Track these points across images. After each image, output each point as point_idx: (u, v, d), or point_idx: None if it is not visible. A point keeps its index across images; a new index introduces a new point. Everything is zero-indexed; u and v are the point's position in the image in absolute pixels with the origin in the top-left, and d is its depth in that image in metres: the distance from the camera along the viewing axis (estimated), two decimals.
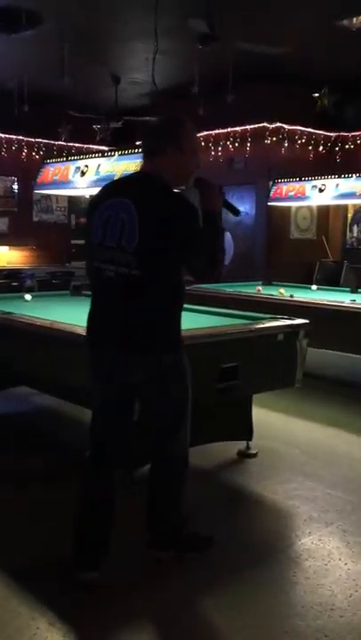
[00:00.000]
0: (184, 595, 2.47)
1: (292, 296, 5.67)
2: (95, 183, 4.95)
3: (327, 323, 5.01)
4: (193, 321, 3.93)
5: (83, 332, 3.35)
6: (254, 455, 3.89)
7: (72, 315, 4.20)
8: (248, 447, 3.91)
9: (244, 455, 3.88)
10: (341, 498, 3.36)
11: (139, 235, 2.33)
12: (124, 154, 4.76)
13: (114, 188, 2.59)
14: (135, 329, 2.40)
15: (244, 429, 3.84)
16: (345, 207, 9.19)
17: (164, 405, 2.54)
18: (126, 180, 2.71)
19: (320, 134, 8.89)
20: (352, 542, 2.88)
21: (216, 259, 2.41)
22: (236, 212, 2.75)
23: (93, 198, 2.63)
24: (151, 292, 2.39)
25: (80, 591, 2.45)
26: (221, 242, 2.47)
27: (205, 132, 8.90)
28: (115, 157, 4.82)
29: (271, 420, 4.54)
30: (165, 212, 2.36)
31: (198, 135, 8.97)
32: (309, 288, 6.80)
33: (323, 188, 6.89)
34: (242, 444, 3.88)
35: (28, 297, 5.12)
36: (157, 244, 2.34)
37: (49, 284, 7.95)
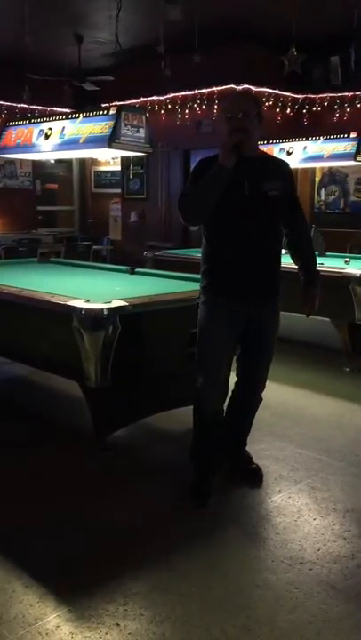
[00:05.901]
0: (156, 553, 2.52)
1: None
2: (60, 147, 4.82)
3: (295, 286, 5.03)
4: (163, 286, 3.93)
5: (51, 298, 3.33)
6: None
7: (41, 282, 4.15)
8: None
9: None
10: (310, 456, 3.45)
11: None
12: (89, 116, 4.64)
13: None
14: None
15: None
16: (313, 170, 9.15)
17: None
18: None
19: (287, 96, 8.79)
20: (320, 498, 2.97)
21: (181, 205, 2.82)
22: None
23: None
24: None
25: (53, 556, 2.48)
26: (194, 195, 2.79)
27: (172, 94, 8.73)
28: (80, 120, 4.69)
29: None
30: None
31: (164, 98, 8.85)
32: None
33: (291, 150, 6.84)
34: None
35: None
36: None
37: (15, 252, 7.80)
